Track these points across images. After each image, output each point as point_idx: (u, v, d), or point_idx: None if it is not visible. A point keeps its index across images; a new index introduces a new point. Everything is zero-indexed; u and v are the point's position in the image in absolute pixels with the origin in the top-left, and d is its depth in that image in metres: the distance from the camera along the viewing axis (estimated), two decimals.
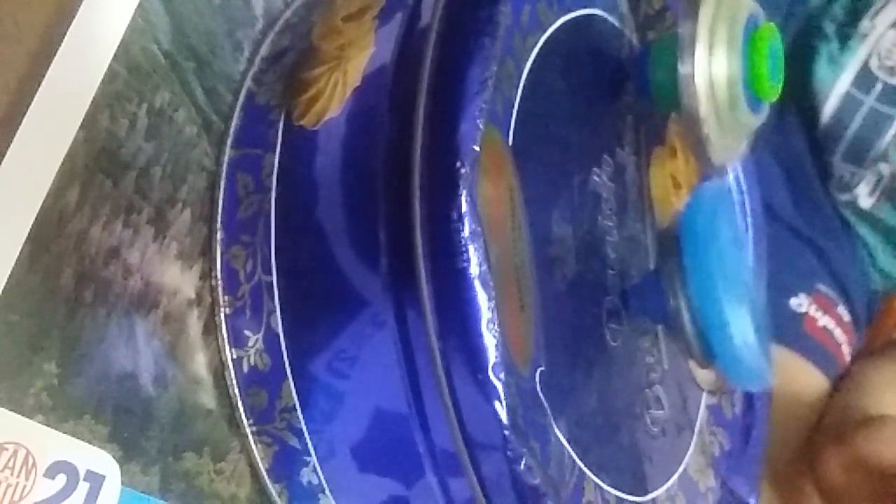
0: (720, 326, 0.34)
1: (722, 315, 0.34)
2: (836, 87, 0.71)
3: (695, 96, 0.36)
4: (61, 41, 0.28)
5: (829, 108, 0.71)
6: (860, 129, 0.70)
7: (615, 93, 0.41)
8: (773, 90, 0.38)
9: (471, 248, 0.27)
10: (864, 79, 0.70)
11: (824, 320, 0.69)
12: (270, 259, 0.32)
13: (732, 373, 0.36)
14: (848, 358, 0.71)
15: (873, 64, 0.70)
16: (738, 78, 0.37)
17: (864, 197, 0.72)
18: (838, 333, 0.70)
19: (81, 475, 0.28)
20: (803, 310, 0.69)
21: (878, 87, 0.69)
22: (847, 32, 0.71)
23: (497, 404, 0.27)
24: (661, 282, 0.36)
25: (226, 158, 0.34)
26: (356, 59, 0.33)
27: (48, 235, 0.28)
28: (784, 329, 0.67)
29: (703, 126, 0.37)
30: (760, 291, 0.48)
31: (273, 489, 0.34)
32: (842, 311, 0.71)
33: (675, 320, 0.36)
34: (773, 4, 0.69)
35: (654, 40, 0.41)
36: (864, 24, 0.71)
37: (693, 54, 0.36)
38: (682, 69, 0.36)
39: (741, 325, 0.34)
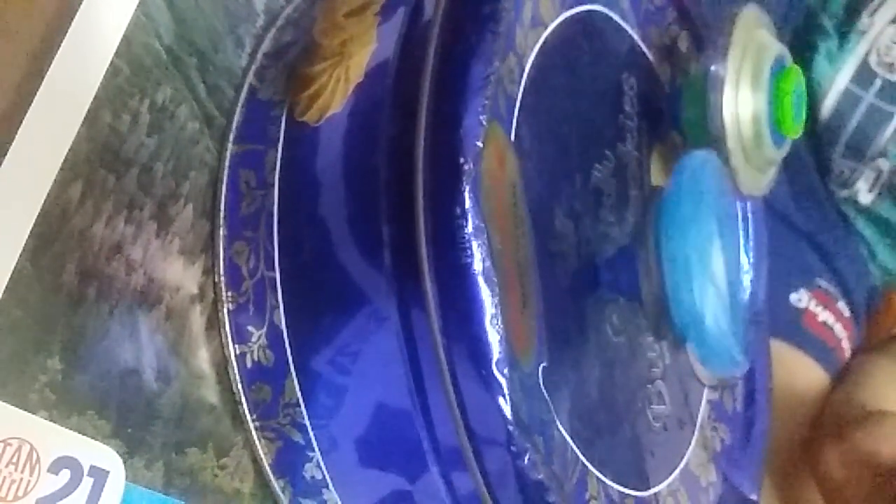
0: (686, 301, 0.33)
1: (690, 290, 0.33)
2: (835, 84, 0.70)
3: (723, 132, 0.39)
4: (63, 37, 0.28)
5: (828, 105, 0.71)
6: (859, 125, 0.70)
7: (616, 88, 0.41)
8: (796, 127, 0.41)
9: (474, 243, 0.27)
10: (864, 75, 0.70)
11: (824, 315, 0.69)
12: (273, 255, 0.32)
13: (699, 352, 0.35)
14: (848, 353, 0.71)
15: (872, 60, 0.70)
16: (764, 115, 0.40)
17: (864, 193, 0.72)
18: (838, 329, 0.70)
19: (85, 471, 0.28)
20: (803, 305, 0.69)
21: (878, 83, 0.69)
22: (846, 29, 0.71)
23: (501, 399, 0.27)
24: (636, 253, 0.35)
25: (228, 154, 0.34)
26: (358, 55, 0.33)
27: (51, 232, 0.28)
28: (784, 324, 0.67)
29: (730, 159, 0.40)
30: (759, 283, 0.48)
31: (276, 484, 0.34)
32: (842, 306, 0.71)
33: (644, 293, 0.35)
34: (773, 1, 0.69)
35: (686, 79, 0.43)
36: (863, 20, 0.71)
37: (722, 93, 0.39)
38: (712, 107, 0.39)
39: (709, 303, 0.33)
